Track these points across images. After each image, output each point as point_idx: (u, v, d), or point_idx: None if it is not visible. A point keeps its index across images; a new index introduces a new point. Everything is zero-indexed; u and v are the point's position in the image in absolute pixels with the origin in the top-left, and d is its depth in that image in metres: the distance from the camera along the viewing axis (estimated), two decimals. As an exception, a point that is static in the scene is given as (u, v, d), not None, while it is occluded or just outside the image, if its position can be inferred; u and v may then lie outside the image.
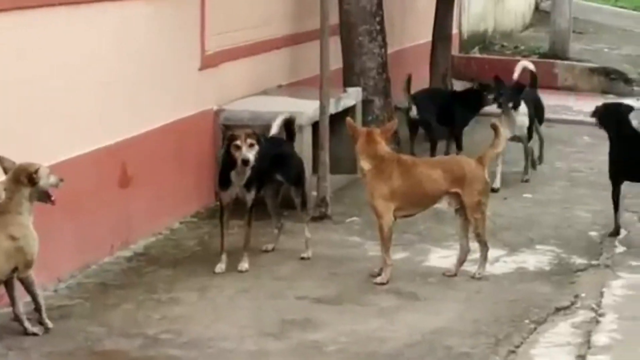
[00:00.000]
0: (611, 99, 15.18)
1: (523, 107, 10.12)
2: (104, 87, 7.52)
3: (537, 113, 10.62)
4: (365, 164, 7.27)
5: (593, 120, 8.87)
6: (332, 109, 9.27)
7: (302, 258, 7.78)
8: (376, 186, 7.28)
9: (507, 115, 9.94)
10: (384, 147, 7.35)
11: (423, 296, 7.05)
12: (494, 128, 7.63)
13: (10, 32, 6.57)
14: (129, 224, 7.57)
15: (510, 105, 10.00)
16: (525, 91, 10.31)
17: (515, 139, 9.95)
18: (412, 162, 7.63)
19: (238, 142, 7.17)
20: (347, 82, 10.51)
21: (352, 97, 10.16)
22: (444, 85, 12.63)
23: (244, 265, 7.40)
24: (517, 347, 6.16)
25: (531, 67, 10.62)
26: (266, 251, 7.88)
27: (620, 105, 9.12)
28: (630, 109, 8.72)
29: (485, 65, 16.06)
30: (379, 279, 7.27)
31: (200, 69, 8.92)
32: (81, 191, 7.16)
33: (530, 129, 10.28)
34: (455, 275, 7.38)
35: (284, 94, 10.09)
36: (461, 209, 7.40)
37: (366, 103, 10.34)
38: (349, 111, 10.02)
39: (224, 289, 6.99)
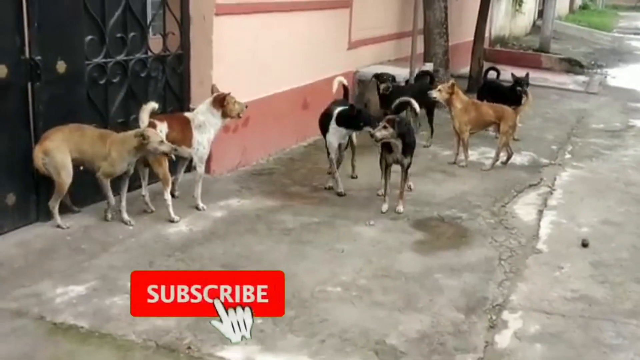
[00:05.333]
0: (571, 75, 14.73)
1: None
2: (298, 56, 7.57)
3: None
4: (457, 105, 7.12)
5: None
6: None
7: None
8: (461, 117, 7.16)
9: None
10: (464, 96, 7.24)
11: (458, 174, 7.00)
12: (526, 95, 7.47)
13: (263, 21, 6.69)
14: (306, 128, 7.65)
15: None
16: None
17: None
18: (479, 103, 7.44)
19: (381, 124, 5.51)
20: (426, 60, 10.28)
21: (428, 67, 9.93)
22: (479, 65, 12.18)
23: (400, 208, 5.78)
24: (506, 203, 6.13)
25: (344, 81, 6.64)
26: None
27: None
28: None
29: (503, 55, 15.66)
30: (462, 163, 7.16)
31: (348, 49, 8.84)
32: (283, 111, 7.28)
33: None
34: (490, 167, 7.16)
35: (391, 64, 9.93)
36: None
37: (435, 71, 10.11)
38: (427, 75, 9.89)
39: (362, 168, 6.79)
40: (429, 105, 8.04)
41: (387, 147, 5.68)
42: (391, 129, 5.46)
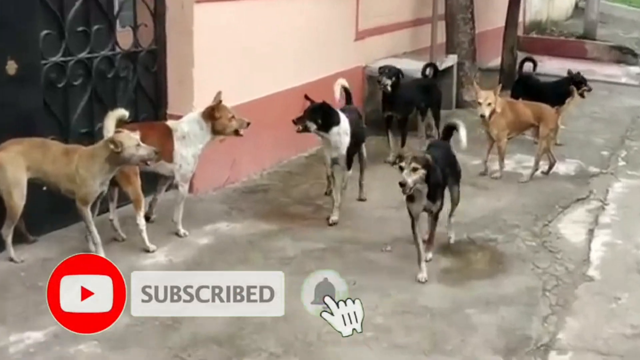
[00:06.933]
0: (623, 66, 14.71)
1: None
2: (296, 50, 7.59)
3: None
4: (496, 108, 7.01)
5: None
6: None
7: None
8: (500, 121, 7.11)
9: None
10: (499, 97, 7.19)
11: (491, 187, 7.00)
12: (571, 91, 7.47)
13: (254, 9, 6.80)
14: (307, 136, 7.57)
15: None
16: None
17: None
18: (514, 102, 7.51)
19: (402, 164, 4.80)
20: (448, 51, 10.33)
21: (451, 60, 9.99)
22: (512, 56, 12.17)
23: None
24: (550, 222, 6.12)
25: (345, 84, 6.55)
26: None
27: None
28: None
29: (540, 43, 15.68)
30: (496, 174, 7.19)
31: (355, 40, 8.85)
32: (279, 115, 7.20)
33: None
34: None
35: (406, 57, 9.92)
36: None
37: (459, 65, 10.20)
38: (449, 70, 9.93)
39: (373, 182, 6.77)
40: (436, 105, 8.21)
41: (409, 196, 5.02)
42: (422, 170, 4.79)
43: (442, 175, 5.10)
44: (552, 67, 11.67)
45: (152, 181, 5.64)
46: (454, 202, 5.67)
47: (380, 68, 7.92)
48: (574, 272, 5.17)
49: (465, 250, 5.52)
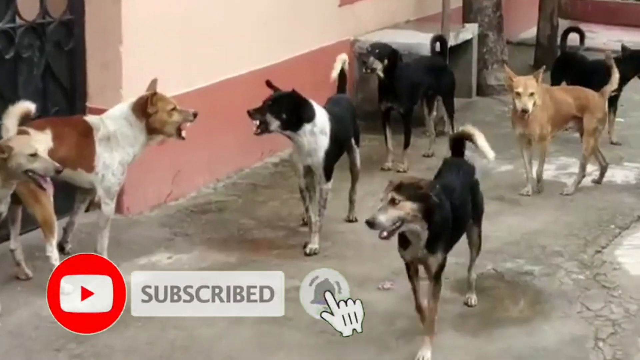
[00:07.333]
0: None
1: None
2: (262, 20, 7.64)
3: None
4: (537, 99, 6.97)
5: None
6: (452, 42, 9.17)
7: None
8: (542, 116, 7.12)
9: None
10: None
11: (524, 202, 7.03)
12: (610, 66, 7.50)
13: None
14: (276, 136, 7.63)
15: None
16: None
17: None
18: (552, 89, 7.59)
19: (381, 196, 4.43)
20: (466, 19, 10.40)
21: (470, 31, 10.05)
22: (551, 25, 12.26)
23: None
24: (604, 247, 6.16)
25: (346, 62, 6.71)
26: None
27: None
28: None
29: (589, 6, 15.74)
30: (524, 191, 7.19)
31: (340, 5, 8.90)
32: (237, 107, 7.21)
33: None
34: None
35: (410, 28, 9.99)
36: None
37: (482, 37, 10.26)
38: (467, 44, 10.00)
39: (366, 199, 6.85)
40: (449, 92, 8.32)
41: (401, 236, 4.61)
42: (411, 204, 4.35)
43: (455, 214, 4.66)
44: (606, 40, 11.74)
45: (68, 197, 5.63)
46: (476, 249, 5.32)
47: (368, 47, 7.92)
48: (636, 316, 5.18)
49: (491, 287, 5.54)
